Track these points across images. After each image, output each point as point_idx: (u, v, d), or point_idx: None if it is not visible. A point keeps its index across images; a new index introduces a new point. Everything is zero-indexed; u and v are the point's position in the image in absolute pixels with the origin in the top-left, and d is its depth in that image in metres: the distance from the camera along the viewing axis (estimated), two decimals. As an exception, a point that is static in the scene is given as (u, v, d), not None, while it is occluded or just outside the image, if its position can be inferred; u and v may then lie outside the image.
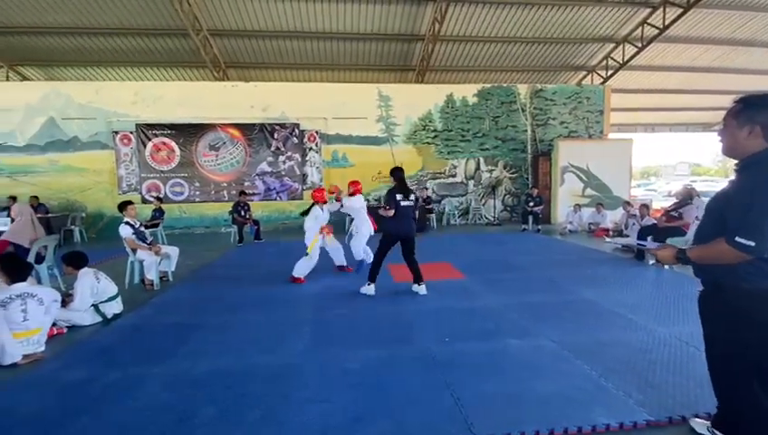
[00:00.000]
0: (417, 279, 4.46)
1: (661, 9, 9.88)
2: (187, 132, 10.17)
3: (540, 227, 9.38)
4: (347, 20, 9.93)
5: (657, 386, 2.39)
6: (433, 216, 10.55)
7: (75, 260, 3.78)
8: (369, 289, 4.44)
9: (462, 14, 9.96)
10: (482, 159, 11.36)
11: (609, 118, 11.77)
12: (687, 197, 5.90)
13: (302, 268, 5.09)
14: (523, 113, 11.37)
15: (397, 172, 4.48)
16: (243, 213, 8.48)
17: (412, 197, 4.42)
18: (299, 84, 11.22)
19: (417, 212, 4.49)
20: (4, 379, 2.65)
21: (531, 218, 9.44)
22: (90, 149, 9.99)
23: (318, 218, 5.21)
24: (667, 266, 5.61)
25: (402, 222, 4.34)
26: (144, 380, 2.59)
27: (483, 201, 11.44)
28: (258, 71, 11.89)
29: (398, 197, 4.33)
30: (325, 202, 5.40)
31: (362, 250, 5.64)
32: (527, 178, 11.48)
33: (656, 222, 6.20)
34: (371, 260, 4.73)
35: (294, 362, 2.82)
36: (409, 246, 4.43)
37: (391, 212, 4.32)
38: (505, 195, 11.52)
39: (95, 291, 3.69)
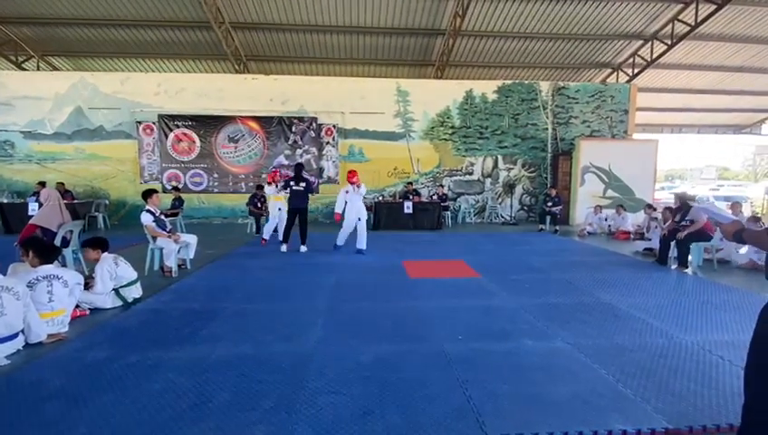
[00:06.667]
0: (303, 240, 6.52)
1: (694, 5, 9.50)
2: (208, 124, 10.34)
3: (558, 227, 9.21)
4: (367, 14, 9.90)
5: (677, 394, 2.32)
6: (448, 213, 10.46)
7: (96, 245, 3.88)
8: (283, 247, 6.51)
9: (484, 9, 9.80)
10: (500, 157, 11.20)
11: (633, 117, 11.44)
12: (683, 202, 5.76)
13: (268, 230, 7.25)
14: (544, 111, 11.14)
15: (296, 168, 6.66)
16: (259, 205, 8.68)
17: (302, 184, 6.44)
18: (318, 78, 11.26)
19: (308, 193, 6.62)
20: (30, 356, 2.76)
21: (548, 219, 9.27)
22: (114, 138, 10.27)
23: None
24: (690, 271, 5.44)
25: (294, 200, 6.47)
26: (162, 363, 2.65)
27: (500, 200, 11.29)
28: (278, 64, 11.99)
29: (292, 183, 6.44)
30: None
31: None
32: (546, 178, 11.27)
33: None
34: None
35: (308, 352, 2.85)
36: (303, 217, 6.53)
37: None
38: (523, 194, 11.35)
39: (114, 275, 3.79)
